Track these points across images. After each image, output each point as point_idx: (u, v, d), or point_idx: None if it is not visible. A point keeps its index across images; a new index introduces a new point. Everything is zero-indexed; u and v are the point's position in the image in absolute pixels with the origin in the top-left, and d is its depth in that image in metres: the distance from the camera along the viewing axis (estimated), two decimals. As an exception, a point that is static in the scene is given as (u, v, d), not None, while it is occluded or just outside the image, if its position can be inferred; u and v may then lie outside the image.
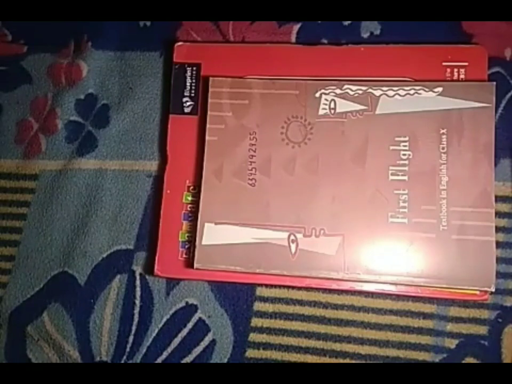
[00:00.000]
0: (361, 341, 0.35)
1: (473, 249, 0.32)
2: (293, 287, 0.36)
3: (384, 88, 0.35)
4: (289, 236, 0.34)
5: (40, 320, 0.38)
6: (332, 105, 0.35)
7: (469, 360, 0.34)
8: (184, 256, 0.36)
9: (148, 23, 0.41)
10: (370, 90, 0.35)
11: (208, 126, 0.36)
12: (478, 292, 0.33)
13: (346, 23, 0.39)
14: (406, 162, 0.34)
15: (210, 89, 0.36)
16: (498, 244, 0.34)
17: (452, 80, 0.35)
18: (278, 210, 0.34)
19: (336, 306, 0.36)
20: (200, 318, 0.37)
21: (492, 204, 0.33)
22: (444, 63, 0.36)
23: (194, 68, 0.38)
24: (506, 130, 0.36)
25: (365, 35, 0.39)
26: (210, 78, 0.36)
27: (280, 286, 0.36)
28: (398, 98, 0.34)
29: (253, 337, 0.36)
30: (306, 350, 0.36)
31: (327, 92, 0.35)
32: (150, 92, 0.40)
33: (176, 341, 0.37)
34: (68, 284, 0.38)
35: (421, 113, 0.34)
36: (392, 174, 0.34)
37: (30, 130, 0.41)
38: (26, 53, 0.42)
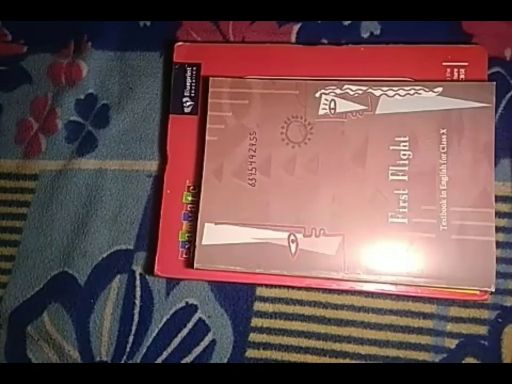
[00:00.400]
0: (361, 341, 0.35)
1: (473, 249, 0.32)
2: (293, 287, 0.36)
3: (384, 88, 0.35)
4: (289, 236, 0.34)
5: (40, 320, 0.38)
6: (332, 105, 0.35)
7: (469, 360, 0.34)
8: (184, 256, 0.36)
9: (148, 23, 0.41)
10: (370, 90, 0.35)
11: (208, 126, 0.36)
12: (478, 292, 0.33)
13: (346, 23, 0.39)
14: (406, 162, 0.34)
15: (210, 89, 0.36)
16: (498, 244, 0.34)
17: (452, 80, 0.35)
18: (278, 210, 0.34)
19: (336, 306, 0.36)
20: (200, 318, 0.37)
21: (492, 204, 0.33)
22: (444, 63, 0.36)
23: (194, 68, 0.38)
24: (506, 130, 0.36)
25: (365, 35, 0.39)
26: (210, 78, 0.36)
27: (280, 286, 0.36)
28: (398, 98, 0.34)
29: (253, 337, 0.36)
30: (306, 350, 0.36)
31: (327, 92, 0.35)
32: (150, 92, 0.40)
33: (176, 341, 0.37)
34: (68, 284, 0.38)
35: (421, 113, 0.34)
36: (392, 174, 0.34)
37: (30, 130, 0.41)
38: (26, 53, 0.42)
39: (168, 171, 0.37)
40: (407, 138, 0.34)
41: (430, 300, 0.35)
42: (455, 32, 0.38)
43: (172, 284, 0.37)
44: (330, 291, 0.36)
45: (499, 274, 0.33)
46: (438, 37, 0.37)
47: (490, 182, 0.33)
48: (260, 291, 0.36)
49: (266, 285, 0.36)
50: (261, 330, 0.36)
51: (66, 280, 0.38)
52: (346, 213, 0.34)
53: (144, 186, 0.39)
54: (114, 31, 0.41)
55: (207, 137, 0.35)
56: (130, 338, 0.37)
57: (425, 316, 0.35)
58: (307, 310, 0.36)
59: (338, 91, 0.35)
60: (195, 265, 0.34)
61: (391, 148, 0.34)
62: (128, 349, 0.37)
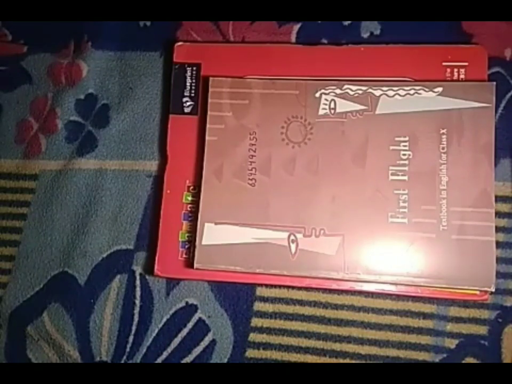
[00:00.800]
0: (361, 341, 0.35)
1: (473, 249, 0.32)
2: (293, 287, 0.36)
3: (384, 88, 0.35)
4: (289, 236, 0.34)
5: (40, 320, 0.38)
6: (332, 105, 0.35)
7: (469, 360, 0.34)
8: (184, 256, 0.36)
9: (148, 23, 0.41)
10: (370, 90, 0.35)
11: (208, 126, 0.36)
12: (478, 292, 0.33)
13: (346, 23, 0.39)
14: (406, 162, 0.34)
15: (210, 89, 0.36)
16: (498, 244, 0.34)
17: (452, 80, 0.35)
18: (278, 210, 0.34)
19: (336, 306, 0.36)
20: (200, 318, 0.37)
21: (492, 204, 0.33)
22: (444, 63, 0.36)
23: (194, 68, 0.38)
24: (506, 130, 0.36)
25: (365, 35, 0.39)
26: (210, 78, 0.36)
27: (280, 286, 0.36)
28: (398, 98, 0.34)
29: (253, 337, 0.36)
30: (306, 350, 0.36)
31: (327, 92, 0.35)
32: (150, 92, 0.40)
33: (176, 341, 0.37)
34: (68, 284, 0.38)
35: (421, 113, 0.34)
36: (392, 174, 0.34)
37: (30, 130, 0.41)
38: (26, 53, 0.42)
39: (168, 171, 0.37)
40: (407, 138, 0.34)
41: (430, 300, 0.35)
42: (455, 32, 0.38)
43: (172, 283, 0.37)
44: (330, 291, 0.36)
45: (499, 274, 0.33)
46: (438, 37, 0.37)
47: (490, 182, 0.33)
48: (259, 291, 0.36)
49: (266, 285, 0.36)
50: (261, 330, 0.36)
51: (66, 280, 0.38)
52: (346, 213, 0.34)
53: (144, 186, 0.39)
54: (114, 31, 0.41)
55: (207, 137, 0.35)
56: (130, 338, 0.37)
57: (425, 316, 0.35)
58: (307, 310, 0.36)
59: (338, 91, 0.35)
60: (195, 265, 0.34)
61: (391, 148, 0.34)
62: (128, 349, 0.37)
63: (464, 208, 0.33)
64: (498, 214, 0.35)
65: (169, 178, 0.37)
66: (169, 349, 0.37)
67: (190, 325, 0.37)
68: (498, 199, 0.35)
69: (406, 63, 0.36)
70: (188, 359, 0.36)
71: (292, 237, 0.34)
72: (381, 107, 0.34)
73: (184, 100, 0.38)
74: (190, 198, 0.36)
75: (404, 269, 0.33)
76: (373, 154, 0.34)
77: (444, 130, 0.34)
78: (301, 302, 0.36)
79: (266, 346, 0.36)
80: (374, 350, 0.35)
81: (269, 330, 0.36)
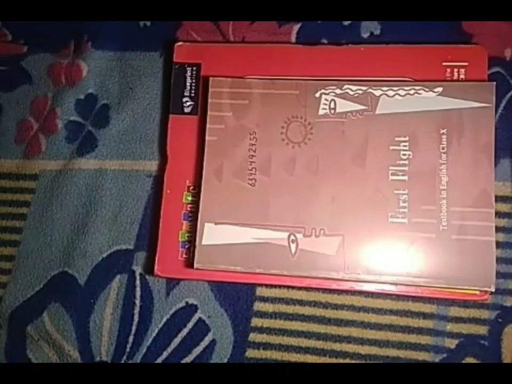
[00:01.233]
0: (361, 341, 0.35)
1: (473, 249, 0.32)
2: (293, 287, 0.36)
3: (384, 88, 0.35)
4: (289, 236, 0.34)
5: (40, 320, 0.38)
6: (332, 105, 0.35)
7: (469, 360, 0.34)
8: (184, 256, 0.36)
9: (148, 23, 0.41)
10: (370, 90, 0.35)
11: (208, 126, 0.36)
12: (478, 292, 0.33)
13: (346, 23, 0.39)
14: (406, 162, 0.34)
15: (210, 89, 0.36)
16: (498, 244, 0.34)
17: (452, 80, 0.35)
18: (278, 210, 0.34)
19: (336, 306, 0.36)
20: (200, 318, 0.37)
21: (492, 204, 0.33)
22: (444, 63, 0.36)
23: (194, 68, 0.38)
24: (506, 130, 0.36)
25: (365, 35, 0.39)
26: (210, 78, 0.36)
27: (280, 286, 0.36)
28: (398, 98, 0.34)
29: (253, 337, 0.36)
30: (306, 350, 0.36)
31: (327, 92, 0.35)
32: (150, 92, 0.40)
33: (176, 341, 0.37)
34: (68, 284, 0.38)
35: (421, 113, 0.34)
36: (392, 174, 0.34)
37: (30, 130, 0.41)
38: (26, 53, 0.42)
39: (168, 171, 0.37)
40: (407, 138, 0.34)
41: (430, 300, 0.35)
42: (455, 32, 0.38)
43: (172, 283, 0.37)
44: (330, 291, 0.36)
45: (499, 274, 0.33)
46: (438, 37, 0.37)
47: (490, 182, 0.33)
48: (259, 291, 0.36)
49: (266, 285, 0.36)
50: (261, 330, 0.36)
51: (66, 280, 0.38)
52: (346, 213, 0.34)
53: (144, 186, 0.39)
54: (114, 31, 0.41)
55: (207, 137, 0.35)
56: (130, 338, 0.37)
57: (425, 315, 0.35)
58: (307, 310, 0.36)
59: (338, 91, 0.35)
60: (195, 265, 0.34)
61: (391, 148, 0.34)
62: (128, 349, 0.37)
63: (464, 208, 0.33)
64: (498, 214, 0.35)
65: (169, 178, 0.37)
66: (169, 349, 0.37)
67: (190, 325, 0.37)
68: (498, 199, 0.35)
69: (406, 63, 0.36)
70: (188, 359, 0.36)
71: (292, 237, 0.34)
72: (381, 107, 0.34)
73: (184, 100, 0.38)
74: (190, 198, 0.36)
75: (404, 269, 0.33)
76: (373, 154, 0.34)
77: (444, 130, 0.34)
78: (301, 302, 0.36)
79: (266, 346, 0.36)
80: (374, 350, 0.35)
81: (269, 330, 0.36)
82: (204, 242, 0.34)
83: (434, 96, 0.34)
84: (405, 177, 0.34)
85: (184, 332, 0.37)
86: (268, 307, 0.36)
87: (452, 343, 0.35)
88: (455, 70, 0.35)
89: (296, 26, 0.39)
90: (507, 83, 0.37)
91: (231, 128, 0.35)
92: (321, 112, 0.35)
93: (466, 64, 0.35)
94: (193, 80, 0.38)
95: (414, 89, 0.34)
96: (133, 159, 0.39)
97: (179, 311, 0.37)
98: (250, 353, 0.36)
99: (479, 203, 0.33)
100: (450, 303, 0.35)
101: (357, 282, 0.34)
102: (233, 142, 0.35)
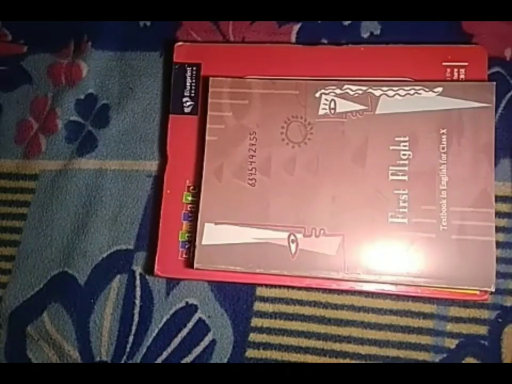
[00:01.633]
0: (361, 341, 0.35)
1: (473, 249, 0.32)
2: (293, 287, 0.36)
3: (384, 88, 0.35)
4: (289, 236, 0.34)
5: (40, 320, 0.38)
6: (332, 105, 0.35)
7: (469, 360, 0.34)
8: (184, 256, 0.36)
9: (148, 23, 0.41)
10: (370, 90, 0.35)
11: (208, 126, 0.36)
12: (478, 292, 0.33)
13: (346, 23, 0.39)
14: (406, 162, 0.34)
15: (210, 89, 0.36)
16: (498, 244, 0.34)
17: (452, 80, 0.35)
18: (278, 210, 0.34)
19: (336, 306, 0.36)
20: (200, 318, 0.37)
21: (492, 204, 0.33)
22: (444, 63, 0.36)
23: (194, 68, 0.38)
24: (506, 130, 0.36)
25: (365, 35, 0.39)
26: (210, 78, 0.36)
27: (280, 286, 0.36)
28: (398, 98, 0.34)
29: (253, 337, 0.36)
30: (306, 350, 0.36)
31: (327, 92, 0.35)
32: (150, 92, 0.40)
33: (176, 341, 0.37)
34: (68, 284, 0.38)
35: (421, 113, 0.34)
36: (392, 174, 0.34)
37: (30, 130, 0.41)
38: (26, 53, 0.42)
39: (168, 171, 0.37)
40: (407, 138, 0.34)
41: (430, 300, 0.35)
42: (455, 32, 0.38)
43: (172, 283, 0.37)
44: (330, 291, 0.36)
45: (499, 274, 0.33)
46: (438, 37, 0.37)
47: (490, 182, 0.33)
48: (259, 291, 0.36)
49: (266, 285, 0.36)
50: (261, 330, 0.36)
51: (66, 280, 0.38)
52: (346, 213, 0.34)
53: (144, 186, 0.39)
54: (114, 31, 0.41)
55: (207, 137, 0.35)
56: (130, 338, 0.37)
57: (425, 315, 0.35)
58: (307, 310, 0.36)
59: (338, 91, 0.35)
60: (195, 265, 0.34)
61: (391, 148, 0.34)
62: (128, 349, 0.37)
63: (464, 208, 0.33)
64: (498, 214, 0.35)
65: (169, 178, 0.37)
66: (169, 349, 0.37)
67: (190, 325, 0.37)
68: (498, 199, 0.35)
69: (406, 63, 0.36)
70: (188, 359, 0.36)
71: (292, 237, 0.34)
72: (381, 107, 0.34)
73: (184, 99, 0.38)
74: (190, 198, 0.36)
75: (404, 269, 0.33)
76: (373, 154, 0.34)
77: (444, 130, 0.34)
78: (301, 302, 0.36)
79: (266, 346, 0.36)
80: (374, 350, 0.35)
81: (269, 330, 0.36)
82: (203, 242, 0.34)
83: (434, 96, 0.34)
84: (405, 177, 0.34)
85: (184, 331, 0.37)
86: (268, 307, 0.36)
87: (452, 343, 0.35)
88: (455, 70, 0.35)
89: (296, 26, 0.39)
90: (507, 83, 0.37)
91: (231, 128, 0.35)
92: (321, 112, 0.35)
93: (466, 64, 0.35)
94: (193, 80, 0.38)
95: (414, 89, 0.34)
96: (133, 159, 0.39)
97: (179, 311, 0.37)
98: (250, 353, 0.36)
99: (479, 203, 0.33)
100: (450, 303, 0.35)
101: (357, 282, 0.34)
102: (233, 142, 0.35)
